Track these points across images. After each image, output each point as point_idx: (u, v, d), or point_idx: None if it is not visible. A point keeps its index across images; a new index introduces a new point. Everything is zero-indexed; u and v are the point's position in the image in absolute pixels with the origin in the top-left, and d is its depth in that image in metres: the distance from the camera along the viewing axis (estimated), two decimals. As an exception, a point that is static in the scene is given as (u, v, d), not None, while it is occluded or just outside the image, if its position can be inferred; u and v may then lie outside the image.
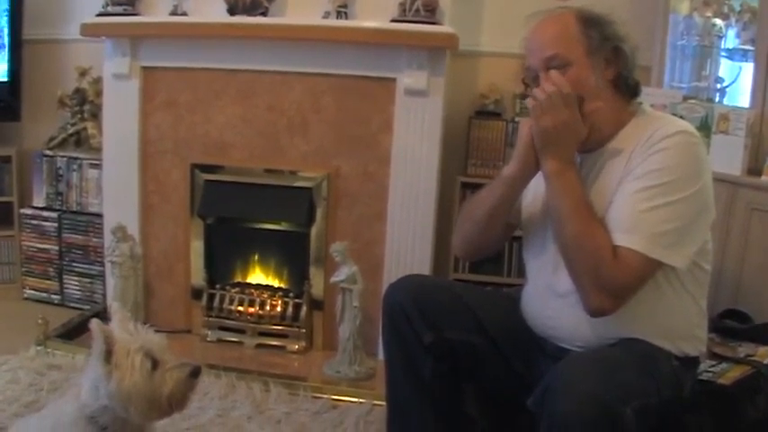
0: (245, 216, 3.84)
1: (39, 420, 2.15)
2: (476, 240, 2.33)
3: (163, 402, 2.00)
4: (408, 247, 3.60)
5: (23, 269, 4.48)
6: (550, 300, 2.16)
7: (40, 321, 3.71)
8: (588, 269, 1.97)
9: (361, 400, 3.30)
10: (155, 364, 1.98)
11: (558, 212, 2.05)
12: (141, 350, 1.98)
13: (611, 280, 1.95)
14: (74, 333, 3.69)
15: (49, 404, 2.35)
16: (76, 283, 4.39)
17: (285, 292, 3.87)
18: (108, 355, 1.96)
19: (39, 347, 3.65)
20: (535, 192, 2.19)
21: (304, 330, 3.78)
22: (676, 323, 2.10)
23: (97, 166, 4.23)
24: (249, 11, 3.62)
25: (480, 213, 2.27)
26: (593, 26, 2.09)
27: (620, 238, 1.96)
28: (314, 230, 3.72)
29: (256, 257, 3.94)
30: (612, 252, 1.95)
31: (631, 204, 1.98)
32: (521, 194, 2.25)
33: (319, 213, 3.69)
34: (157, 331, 2.08)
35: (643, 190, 1.97)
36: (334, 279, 3.47)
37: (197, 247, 3.89)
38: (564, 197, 2.03)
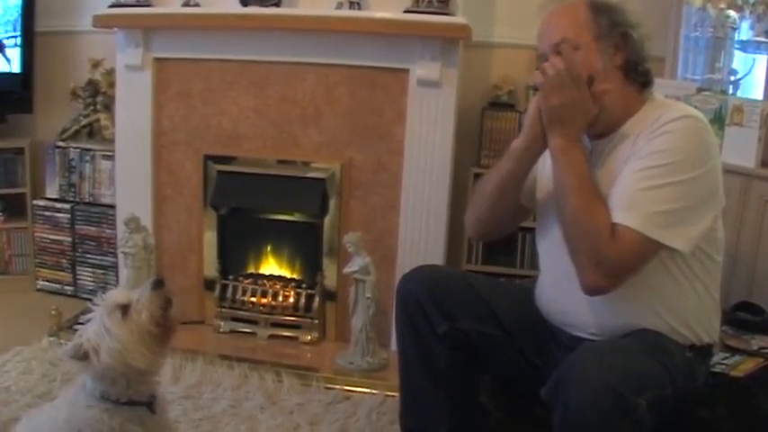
0: (258, 207, 3.86)
1: (52, 410, 2.19)
2: (486, 217, 2.33)
3: (149, 334, 2.04)
4: (421, 238, 3.61)
5: (36, 260, 4.51)
6: (563, 286, 2.16)
7: (53, 312, 3.74)
8: (585, 246, 1.98)
9: (373, 391, 3.33)
10: (124, 310, 2.04)
11: (561, 189, 2.05)
12: (104, 310, 2.05)
13: (608, 258, 1.95)
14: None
15: (61, 394, 2.37)
16: (89, 274, 4.41)
17: (298, 283, 3.89)
18: (79, 350, 2.04)
19: (52, 338, 3.68)
20: (549, 176, 2.19)
21: (317, 321, 3.80)
22: (690, 309, 2.10)
23: (110, 158, 4.25)
24: (262, 1, 3.64)
25: (490, 189, 2.28)
26: (603, 12, 2.11)
27: (618, 216, 1.96)
28: (327, 221, 3.74)
29: (269, 248, 3.97)
30: (611, 230, 1.95)
31: (632, 183, 1.98)
32: (530, 170, 2.23)
33: (332, 204, 3.71)
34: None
35: (644, 169, 1.98)
36: (347, 270, 3.49)
37: (210, 237, 3.92)
38: (567, 174, 2.03)
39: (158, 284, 2.08)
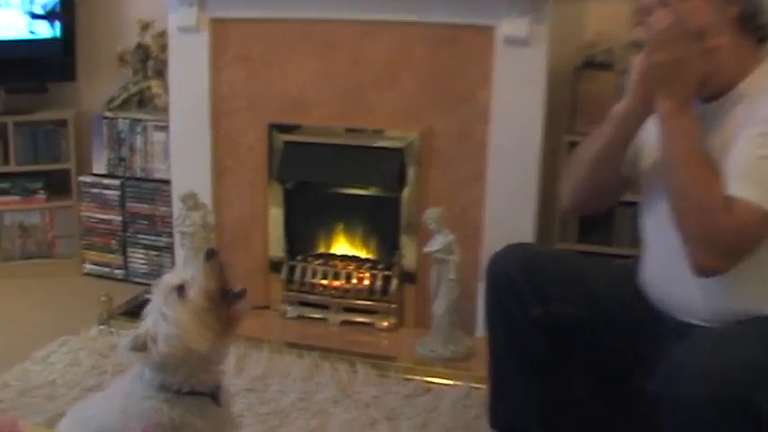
0: (329, 180, 3.94)
1: (104, 399, 2.28)
2: (583, 187, 2.34)
3: (207, 312, 2.08)
4: (510, 213, 3.63)
5: (83, 242, 4.63)
6: (671, 266, 2.14)
7: (102, 298, 3.85)
8: (696, 222, 1.95)
9: (457, 382, 3.38)
10: (180, 291, 2.09)
11: (668, 158, 2.03)
12: (159, 295, 2.11)
13: (722, 234, 1.92)
14: (140, 310, 3.72)
15: (113, 384, 2.43)
16: (142, 256, 4.54)
17: (373, 264, 3.97)
18: (139, 341, 2.10)
19: (101, 327, 3.80)
20: (655, 143, 2.15)
21: (394, 306, 3.87)
22: None
23: (163, 129, 4.34)
24: (329, -46, 3.67)
25: (588, 156, 2.27)
26: None
27: (733, 187, 1.93)
28: (405, 195, 3.79)
29: (341, 226, 4.05)
30: (725, 204, 1.92)
31: (748, 151, 1.95)
32: (633, 136, 2.22)
33: (411, 176, 3.76)
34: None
35: (763, 135, 1.95)
36: (427, 249, 3.54)
37: (276, 214, 3.99)
38: (675, 141, 2.01)
39: (210, 255, 2.11)
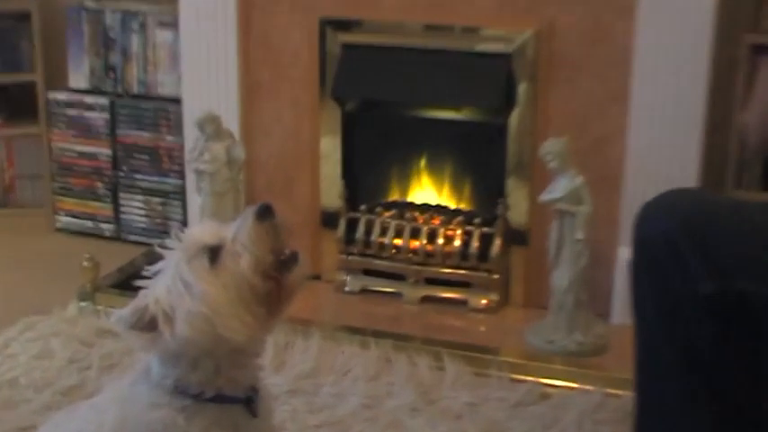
0: (404, 99, 3.95)
1: (92, 411, 2.23)
2: None
3: (252, 291, 2.03)
4: (664, 148, 3.60)
5: (56, 185, 4.70)
6: None
7: (84, 264, 3.89)
8: None
9: (586, 386, 3.36)
10: (213, 254, 2.03)
11: None
12: (182, 255, 2.05)
13: None
14: (136, 280, 3.81)
15: (105, 388, 2.41)
16: (140, 204, 4.60)
17: (467, 217, 3.97)
18: (144, 316, 2.05)
19: (83, 304, 3.85)
20: None
21: (496, 277, 3.87)
22: None
23: (170, 26, 4.39)
24: None
25: None
26: None
27: None
28: (514, 121, 3.77)
29: (423, 163, 4.06)
30: None
31: None
32: None
33: (522, 94, 3.74)
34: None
35: None
36: (545, 197, 3.53)
37: (330, 146, 4.02)
38: None
39: (265, 213, 2.05)
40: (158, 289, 2.05)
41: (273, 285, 2.05)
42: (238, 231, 2.03)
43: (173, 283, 2.03)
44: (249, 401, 2.15)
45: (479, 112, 3.86)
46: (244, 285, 2.02)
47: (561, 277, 3.55)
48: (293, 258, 2.07)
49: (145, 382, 2.13)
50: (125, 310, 2.05)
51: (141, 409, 2.10)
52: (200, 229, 2.11)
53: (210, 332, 2.01)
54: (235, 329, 2.01)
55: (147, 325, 2.03)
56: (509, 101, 3.76)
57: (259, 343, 2.18)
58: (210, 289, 2.01)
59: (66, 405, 2.88)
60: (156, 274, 2.08)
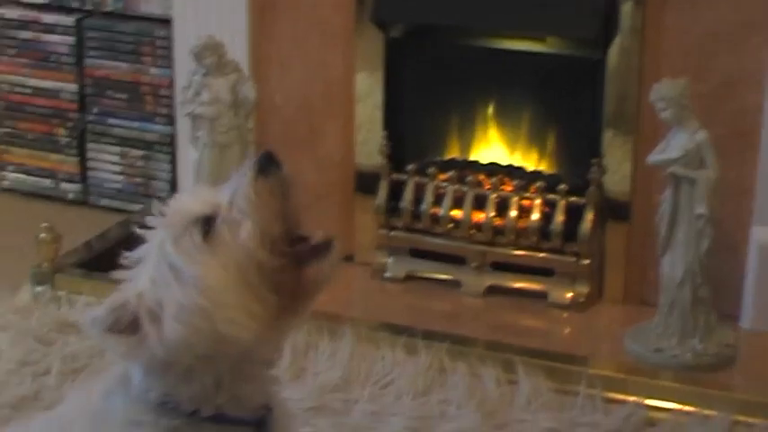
0: (467, 24, 3.92)
1: (52, 427, 2.22)
2: None
3: (260, 269, 1.99)
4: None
5: (2, 131, 4.74)
6: None
7: (42, 235, 3.88)
8: None
9: (706, 410, 3.32)
10: (207, 226, 2.00)
11: None
12: (168, 233, 2.01)
13: None
14: (112, 261, 3.80)
15: (68, 399, 2.40)
16: (114, 158, 4.62)
17: (550, 183, 3.94)
18: (123, 315, 2.04)
19: (39, 288, 3.85)
20: None
21: (587, 262, 3.85)
22: None
23: None
24: None
25: None
26: None
27: None
28: (614, 55, 3.74)
29: (490, 111, 4.04)
30: None
31: None
32: None
33: (625, 18, 3.70)
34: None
35: None
36: (656, 157, 3.49)
37: (368, 87, 4.00)
38: None
39: (268, 165, 2.03)
40: (141, 280, 2.02)
41: (288, 266, 2.02)
42: (235, 193, 2.01)
43: (158, 271, 2.01)
44: (261, 424, 2.13)
45: (568, 42, 3.85)
46: (247, 263, 1.99)
47: (674, 265, 3.51)
48: (324, 245, 2.04)
49: (122, 394, 2.09)
50: (100, 309, 2.00)
51: (117, 428, 2.08)
52: (188, 198, 2.08)
53: (209, 330, 1.98)
54: (240, 324, 1.99)
55: (129, 326, 2.00)
56: (608, 28, 3.72)
57: (272, 347, 2.14)
58: (206, 272, 1.98)
59: (16, 420, 2.92)
60: (138, 262, 2.05)
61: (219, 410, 2.06)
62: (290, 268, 2.01)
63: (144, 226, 2.05)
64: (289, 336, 2.31)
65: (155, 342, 1.98)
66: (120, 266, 2.05)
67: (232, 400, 2.07)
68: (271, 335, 2.05)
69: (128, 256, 2.05)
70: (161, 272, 2.00)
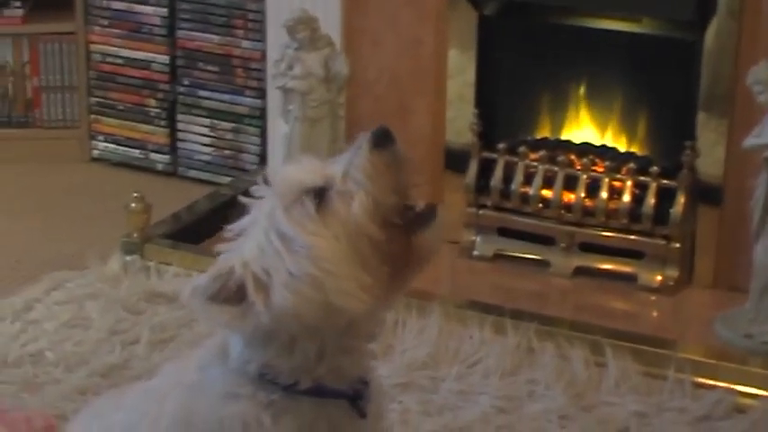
0: (562, 2, 3.93)
1: (145, 399, 2.22)
2: None
3: (367, 239, 1.99)
4: None
5: (94, 101, 4.75)
6: None
7: (132, 205, 3.89)
8: None
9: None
10: (319, 197, 2.00)
11: None
12: (276, 202, 2.02)
13: None
14: (201, 229, 3.86)
15: (162, 370, 2.39)
16: (204, 130, 4.64)
17: (642, 165, 3.93)
18: (227, 284, 2.01)
19: (129, 258, 3.87)
20: None
21: (677, 245, 3.83)
22: None
23: None
24: None
25: None
26: None
27: None
28: (710, 37, 3.72)
29: (583, 90, 4.03)
30: None
31: None
32: None
33: (722, 2, 3.66)
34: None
35: None
36: (751, 141, 3.45)
37: (460, 63, 4.00)
38: None
39: (384, 139, 2.03)
40: (246, 249, 2.03)
41: (398, 236, 2.02)
42: (350, 165, 2.01)
43: (266, 240, 2.01)
44: (357, 398, 2.12)
45: (664, 23, 3.82)
46: (360, 236, 1.99)
47: (767, 251, 3.50)
48: (429, 214, 2.04)
49: (219, 366, 2.11)
50: (203, 277, 2.02)
51: (214, 400, 2.09)
52: (297, 168, 2.08)
53: (320, 300, 1.98)
54: (352, 295, 1.98)
55: (234, 295, 2.01)
56: (705, 9, 3.69)
57: (376, 319, 2.14)
58: (318, 242, 1.98)
59: (106, 389, 2.90)
60: (242, 233, 2.06)
61: (318, 382, 2.07)
62: (400, 239, 2.02)
63: (249, 195, 2.05)
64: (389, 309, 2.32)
65: (261, 311, 1.98)
66: (215, 238, 2.07)
67: (332, 371, 2.08)
68: (378, 306, 2.06)
69: (230, 228, 2.06)
70: (270, 240, 2.01)
